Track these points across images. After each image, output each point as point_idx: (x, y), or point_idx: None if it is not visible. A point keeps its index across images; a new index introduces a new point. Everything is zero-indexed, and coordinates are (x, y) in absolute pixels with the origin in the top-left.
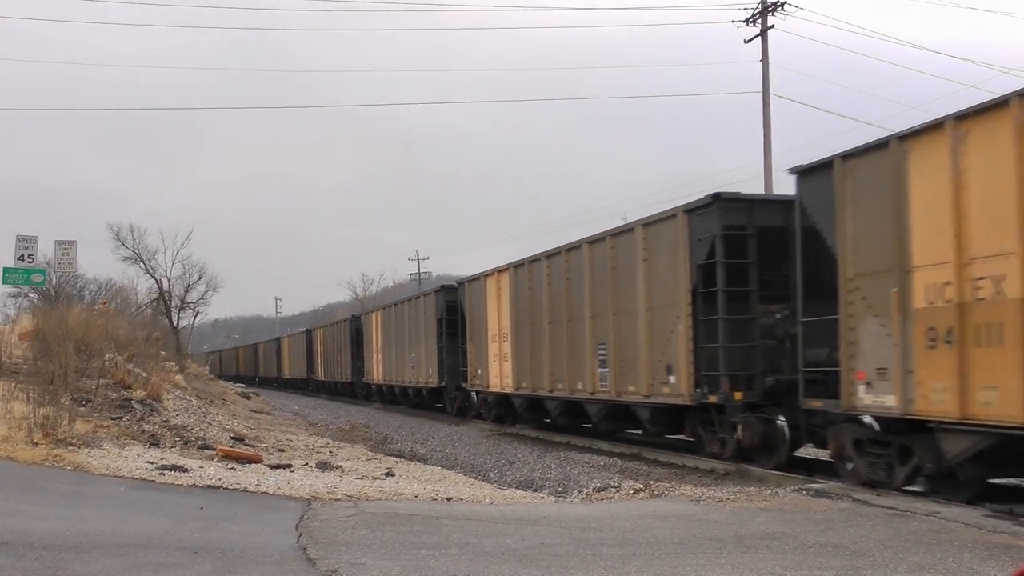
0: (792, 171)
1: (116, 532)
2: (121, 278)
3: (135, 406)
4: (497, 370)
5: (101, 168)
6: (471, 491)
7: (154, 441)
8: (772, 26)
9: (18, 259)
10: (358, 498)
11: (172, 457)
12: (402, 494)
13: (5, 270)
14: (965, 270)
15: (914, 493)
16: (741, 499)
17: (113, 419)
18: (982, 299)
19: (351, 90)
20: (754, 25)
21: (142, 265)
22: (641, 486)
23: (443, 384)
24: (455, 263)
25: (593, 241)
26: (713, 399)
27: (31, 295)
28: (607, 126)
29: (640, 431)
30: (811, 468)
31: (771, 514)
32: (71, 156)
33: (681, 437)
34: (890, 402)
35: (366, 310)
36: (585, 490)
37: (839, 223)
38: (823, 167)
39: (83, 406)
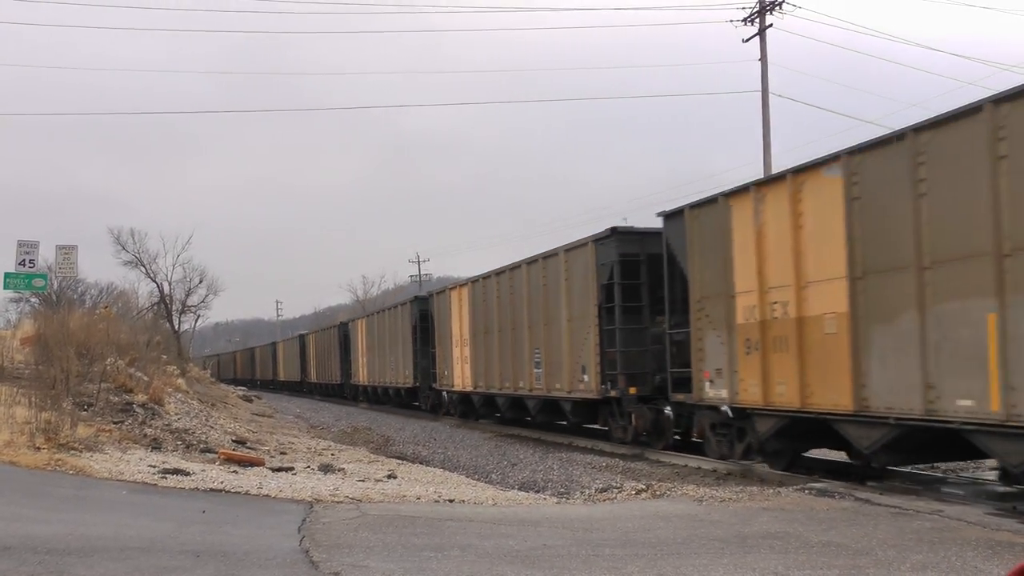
0: (659, 214)
1: (118, 536)
2: (122, 282)
3: (137, 410)
4: (460, 372)
5: (101, 173)
6: (473, 493)
7: (156, 445)
8: (770, 25)
9: (19, 264)
10: (360, 500)
11: (174, 461)
12: (404, 496)
13: (6, 275)
14: (765, 296)
15: (916, 492)
16: (743, 499)
17: (115, 423)
18: (776, 318)
19: (350, 93)
20: (752, 24)
21: (143, 269)
22: (643, 486)
23: (417, 384)
24: (455, 265)
25: (530, 262)
26: (614, 393)
27: (32, 300)
28: (605, 127)
29: (565, 422)
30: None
31: (773, 514)
32: (71, 161)
33: (595, 426)
34: (724, 395)
35: (355, 317)
36: (587, 491)
37: (690, 257)
38: (678, 213)
39: (85, 410)
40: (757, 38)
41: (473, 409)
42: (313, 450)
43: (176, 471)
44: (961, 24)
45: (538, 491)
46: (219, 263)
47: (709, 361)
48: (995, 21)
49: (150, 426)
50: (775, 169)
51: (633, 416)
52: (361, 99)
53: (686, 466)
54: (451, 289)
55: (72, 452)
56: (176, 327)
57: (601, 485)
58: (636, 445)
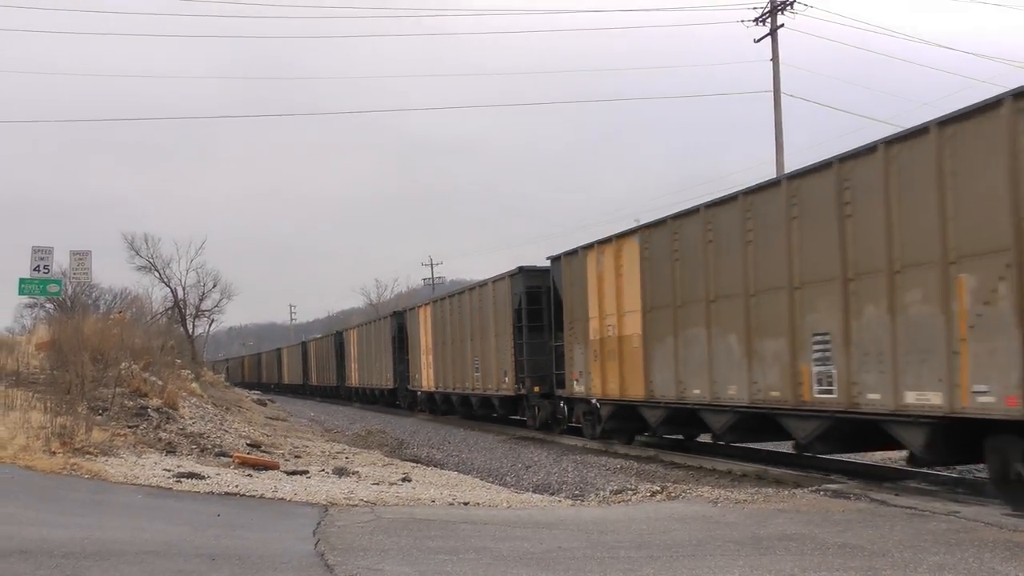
0: (548, 258)
1: (134, 540)
2: (136, 287)
3: (151, 414)
4: (426, 375)
5: (114, 179)
6: (488, 495)
7: (171, 449)
8: (782, 25)
9: (34, 270)
10: (375, 503)
11: (189, 464)
12: (419, 499)
13: (21, 281)
14: (603, 321)
15: (932, 493)
16: (758, 500)
17: (130, 427)
18: (609, 336)
19: (361, 97)
20: (763, 24)
21: (156, 274)
22: (658, 488)
23: (396, 386)
24: (469, 268)
25: (470, 289)
26: (524, 391)
27: (47, 305)
28: (616, 128)
29: (496, 414)
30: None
31: (789, 515)
32: (84, 167)
33: (516, 416)
34: (583, 390)
35: (349, 326)
36: (602, 493)
37: (564, 290)
38: (558, 258)
39: (100, 415)
40: (769, 38)
41: (437, 406)
42: (327, 453)
43: (191, 475)
44: (973, 21)
45: (553, 493)
46: (232, 267)
47: (576, 365)
48: (1008, 17)
49: (165, 430)
50: (787, 169)
51: (537, 408)
52: (373, 103)
53: (700, 468)
54: (419, 307)
55: (87, 456)
56: (190, 331)
57: (616, 487)
58: (542, 429)
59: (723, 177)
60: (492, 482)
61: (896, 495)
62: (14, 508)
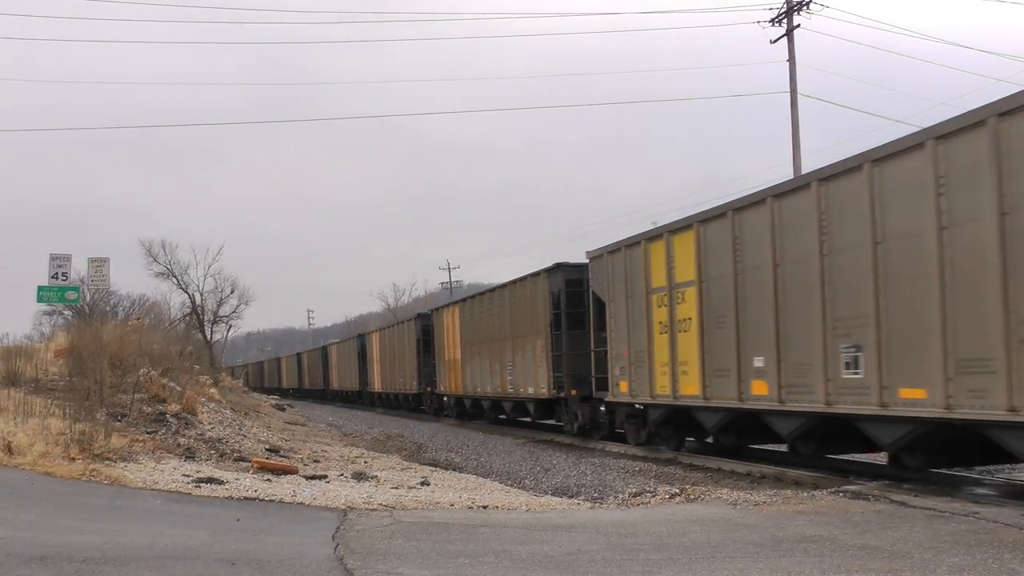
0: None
1: (154, 545)
2: (154, 293)
3: (170, 420)
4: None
5: (132, 186)
6: (507, 499)
7: (190, 454)
8: (798, 26)
9: (52, 277)
10: (394, 508)
11: (208, 470)
12: (438, 503)
13: (40, 288)
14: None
15: (951, 494)
16: (778, 502)
17: (148, 433)
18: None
19: (377, 102)
20: (780, 25)
21: (174, 280)
22: (677, 490)
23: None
24: (486, 272)
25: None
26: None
27: (65, 313)
28: (631, 131)
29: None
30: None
31: (808, 517)
32: (102, 175)
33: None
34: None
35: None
36: (621, 495)
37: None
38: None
39: (119, 421)
40: (785, 39)
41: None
42: (346, 458)
43: (210, 480)
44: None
45: (572, 496)
46: (250, 273)
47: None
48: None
49: (184, 436)
50: (804, 170)
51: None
52: (388, 108)
53: (719, 470)
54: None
55: (106, 462)
56: (208, 337)
57: (635, 489)
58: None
59: (739, 179)
60: (511, 485)
61: (915, 496)
62: (34, 514)
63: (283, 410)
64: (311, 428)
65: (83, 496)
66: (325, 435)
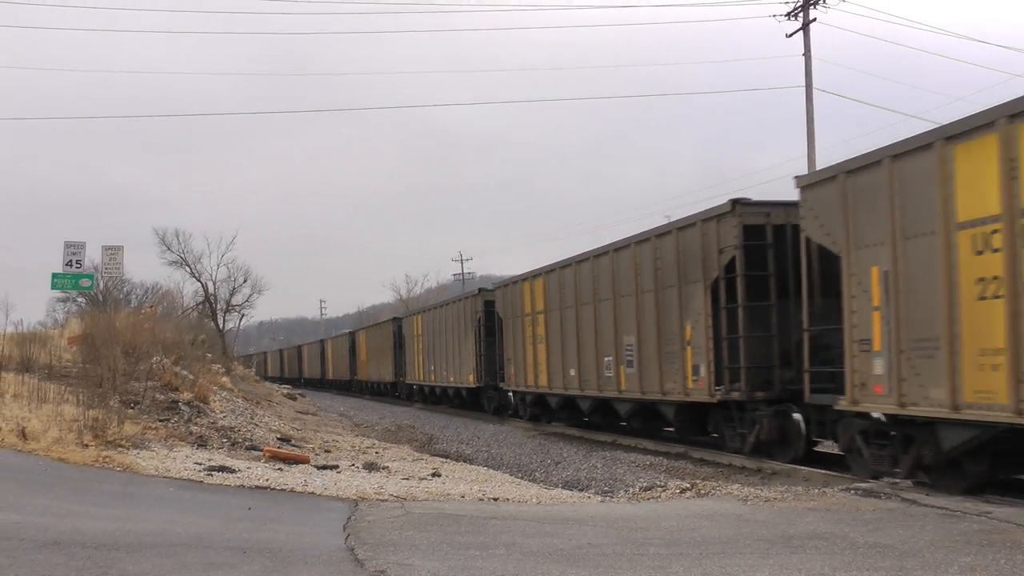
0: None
1: (166, 532)
2: (167, 282)
3: (182, 408)
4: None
5: (145, 175)
6: (517, 491)
7: (202, 442)
8: (814, 20)
9: (66, 264)
10: (405, 499)
11: (220, 458)
12: (448, 494)
13: (54, 275)
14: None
15: (965, 493)
16: (788, 498)
17: (161, 421)
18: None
19: (389, 92)
20: (796, 19)
21: (188, 269)
22: (687, 485)
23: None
24: (498, 263)
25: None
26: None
27: (79, 300)
28: (644, 124)
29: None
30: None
31: (819, 514)
32: (115, 164)
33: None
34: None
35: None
36: (631, 489)
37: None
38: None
39: (131, 408)
40: (801, 33)
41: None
42: (357, 448)
43: (222, 468)
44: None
45: (582, 489)
46: (263, 263)
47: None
48: None
49: (196, 424)
50: (819, 166)
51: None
52: (400, 99)
53: (730, 465)
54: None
55: (119, 449)
56: (221, 326)
57: (645, 484)
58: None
59: (751, 174)
60: (521, 478)
61: (926, 494)
62: (47, 500)
63: (295, 399)
64: (322, 418)
65: (96, 482)
66: (336, 425)
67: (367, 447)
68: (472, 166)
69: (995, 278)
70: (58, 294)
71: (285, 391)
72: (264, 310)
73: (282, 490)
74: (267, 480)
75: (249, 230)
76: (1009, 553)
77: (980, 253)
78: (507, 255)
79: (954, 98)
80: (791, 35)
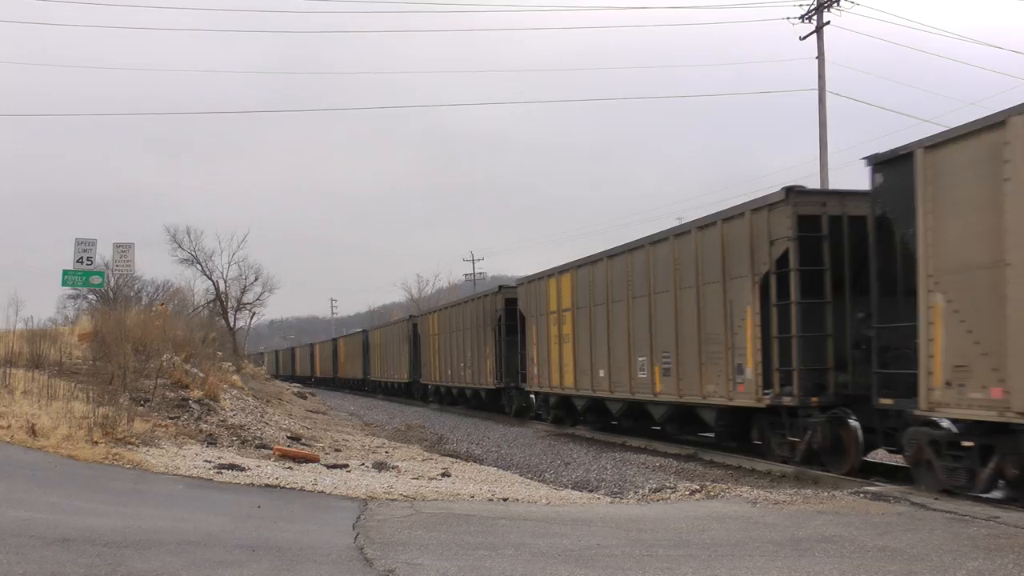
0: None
1: (175, 530)
2: (178, 280)
3: (192, 406)
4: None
5: (157, 173)
6: (527, 492)
7: (211, 440)
8: (828, 23)
9: (77, 261)
10: (414, 498)
11: (229, 456)
12: (458, 494)
13: (65, 272)
14: None
15: (973, 497)
16: (798, 501)
17: (171, 418)
18: None
19: (399, 92)
20: (809, 22)
21: (199, 267)
22: (697, 487)
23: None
24: (509, 264)
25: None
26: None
27: (90, 297)
28: (656, 126)
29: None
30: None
31: (828, 517)
32: (127, 162)
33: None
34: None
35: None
36: (641, 491)
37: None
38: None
39: (141, 406)
40: (814, 36)
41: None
42: (367, 447)
43: (231, 466)
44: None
45: (591, 490)
46: (274, 261)
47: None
48: None
49: (206, 422)
50: (831, 169)
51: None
52: (410, 99)
53: (740, 467)
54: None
55: (129, 446)
56: (231, 324)
57: (655, 485)
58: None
59: (761, 177)
60: (531, 478)
61: (935, 499)
62: (57, 497)
63: (305, 398)
64: (333, 417)
65: (105, 480)
66: (346, 424)
67: (377, 446)
68: (482, 166)
69: None
70: (69, 291)
71: (295, 390)
72: (275, 309)
73: (292, 489)
74: (277, 478)
75: (260, 228)
76: (1017, 558)
77: None
78: (517, 256)
79: (967, 102)
80: (804, 38)
